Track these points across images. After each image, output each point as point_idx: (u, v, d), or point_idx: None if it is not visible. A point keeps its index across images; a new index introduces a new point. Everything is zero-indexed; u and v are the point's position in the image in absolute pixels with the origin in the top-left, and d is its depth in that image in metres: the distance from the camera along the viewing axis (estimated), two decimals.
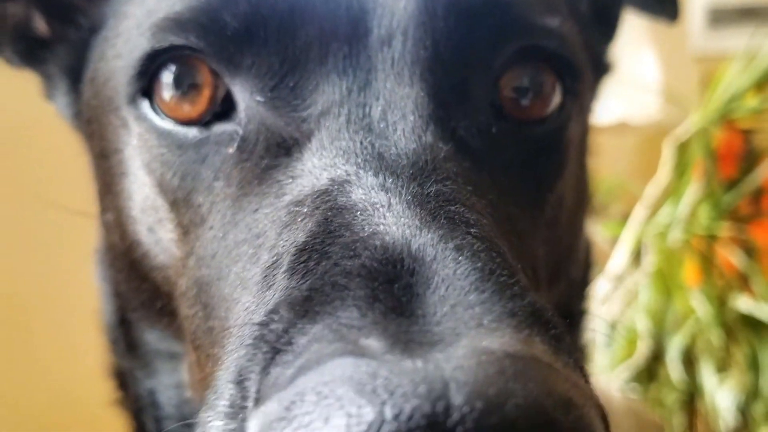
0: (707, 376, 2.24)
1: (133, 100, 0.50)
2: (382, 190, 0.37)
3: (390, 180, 0.37)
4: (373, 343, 0.28)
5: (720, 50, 3.00)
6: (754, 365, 2.30)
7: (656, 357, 2.37)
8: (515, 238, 0.42)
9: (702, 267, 2.33)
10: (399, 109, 0.42)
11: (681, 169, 2.32)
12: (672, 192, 2.32)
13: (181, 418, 0.55)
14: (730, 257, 2.41)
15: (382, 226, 0.35)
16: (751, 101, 2.54)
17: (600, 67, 0.73)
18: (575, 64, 0.54)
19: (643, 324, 2.22)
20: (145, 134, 0.48)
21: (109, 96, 0.53)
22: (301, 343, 0.30)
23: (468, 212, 0.37)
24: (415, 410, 0.25)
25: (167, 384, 0.55)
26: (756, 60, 2.43)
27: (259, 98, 0.46)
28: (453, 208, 0.36)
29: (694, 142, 2.34)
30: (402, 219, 0.35)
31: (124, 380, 0.64)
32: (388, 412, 0.25)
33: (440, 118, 0.44)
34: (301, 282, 0.34)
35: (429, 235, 0.34)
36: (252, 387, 0.32)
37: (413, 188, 0.37)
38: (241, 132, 0.46)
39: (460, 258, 0.32)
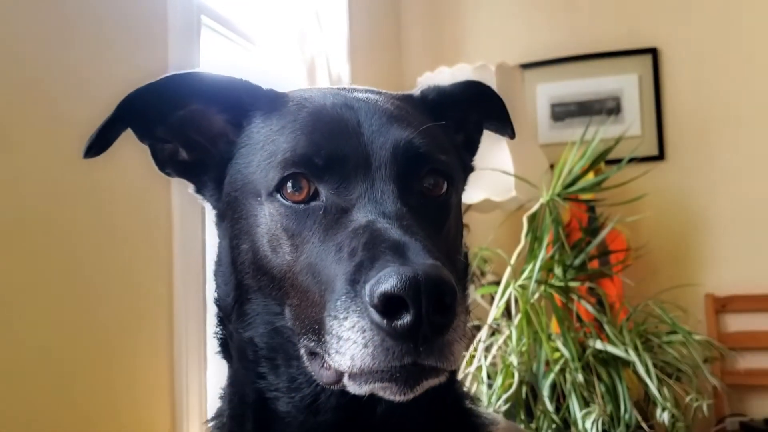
0: (575, 408, 2.56)
1: (271, 194, 0.98)
2: (388, 224, 0.88)
3: (389, 221, 0.89)
4: (396, 264, 0.80)
5: (562, 139, 3.46)
6: (613, 396, 2.64)
7: (533, 395, 2.65)
8: (434, 242, 0.92)
9: (562, 317, 2.69)
10: (387, 195, 0.93)
11: (536, 237, 2.71)
12: (530, 256, 2.70)
13: (270, 347, 1.01)
14: (585, 307, 2.78)
15: (391, 235, 0.86)
16: (590, 178, 2.98)
17: (468, 169, 1.29)
18: (452, 174, 1.04)
19: (516, 363, 2.53)
20: (276, 207, 0.97)
21: (249, 191, 1.02)
22: (374, 266, 0.81)
23: (416, 230, 0.89)
24: (411, 276, 0.77)
25: (262, 332, 1.02)
26: (591, 145, 2.90)
27: (331, 192, 0.95)
28: (412, 229, 0.88)
29: (546, 215, 2.75)
30: (397, 232, 0.86)
31: (226, 342, 1.10)
32: (403, 277, 0.77)
33: (402, 198, 0.94)
34: (368, 253, 0.84)
35: (406, 237, 0.85)
36: (362, 281, 0.81)
37: (398, 223, 0.89)
38: (324, 205, 0.94)
39: (416, 242, 0.84)
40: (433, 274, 0.78)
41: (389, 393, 0.85)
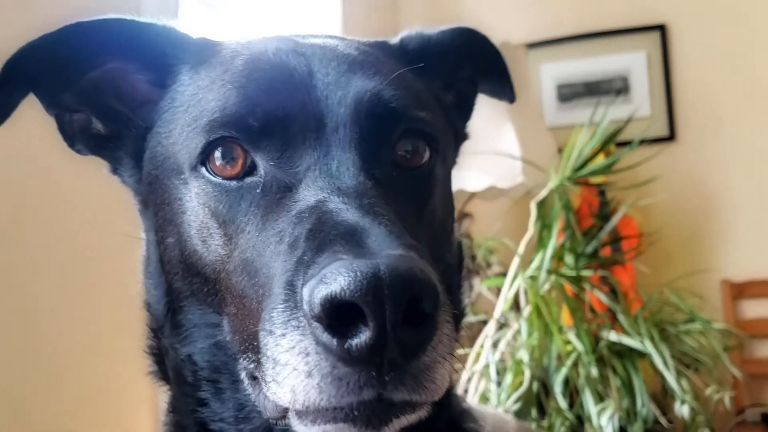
0: (590, 403, 2.42)
1: (194, 168, 0.78)
2: (343, 203, 0.69)
3: (345, 198, 0.70)
4: (348, 256, 0.61)
5: (570, 121, 3.36)
6: (628, 390, 2.52)
7: (545, 391, 2.54)
8: (409, 225, 0.73)
9: (574, 307, 2.55)
10: (345, 165, 0.74)
11: (545, 224, 2.57)
12: (539, 244, 2.55)
13: (212, 367, 0.82)
14: (598, 297, 2.65)
15: (346, 217, 0.67)
16: (600, 161, 2.85)
17: (460, 136, 1.07)
18: (435, 135, 0.84)
19: (526, 359, 2.40)
20: (203, 185, 0.78)
21: (170, 167, 0.82)
22: (318, 261, 0.62)
23: (382, 210, 0.69)
24: (368, 272, 0.58)
25: (202, 347, 0.82)
26: (600, 127, 2.74)
27: (271, 163, 0.76)
28: (375, 208, 0.69)
29: (555, 200, 2.61)
30: (354, 214, 0.67)
31: (161, 358, 0.90)
32: (359, 274, 0.58)
33: (366, 168, 0.75)
34: (313, 242, 0.66)
35: (366, 219, 0.66)
36: (299, 283, 0.63)
37: (356, 201, 0.70)
38: (262, 181, 0.76)
39: (380, 226, 0.65)
40: (401, 268, 0.59)
41: None
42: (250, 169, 0.77)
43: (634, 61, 3.86)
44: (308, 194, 0.72)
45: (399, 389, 0.61)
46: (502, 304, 2.54)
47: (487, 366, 2.41)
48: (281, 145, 0.75)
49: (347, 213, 0.67)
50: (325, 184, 0.72)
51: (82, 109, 0.90)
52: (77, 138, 0.91)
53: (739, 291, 3.64)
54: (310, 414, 0.64)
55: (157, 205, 0.85)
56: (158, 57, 0.87)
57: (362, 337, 0.59)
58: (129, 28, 0.88)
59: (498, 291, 2.70)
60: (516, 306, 2.61)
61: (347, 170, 0.74)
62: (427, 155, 0.83)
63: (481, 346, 2.47)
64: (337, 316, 0.59)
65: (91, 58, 0.88)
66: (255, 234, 0.73)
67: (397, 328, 0.59)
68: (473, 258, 3.02)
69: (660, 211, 3.46)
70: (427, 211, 0.83)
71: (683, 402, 2.50)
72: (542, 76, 3.95)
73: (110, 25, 0.87)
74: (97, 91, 0.89)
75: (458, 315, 0.82)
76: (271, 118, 0.76)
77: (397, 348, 0.60)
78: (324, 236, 0.65)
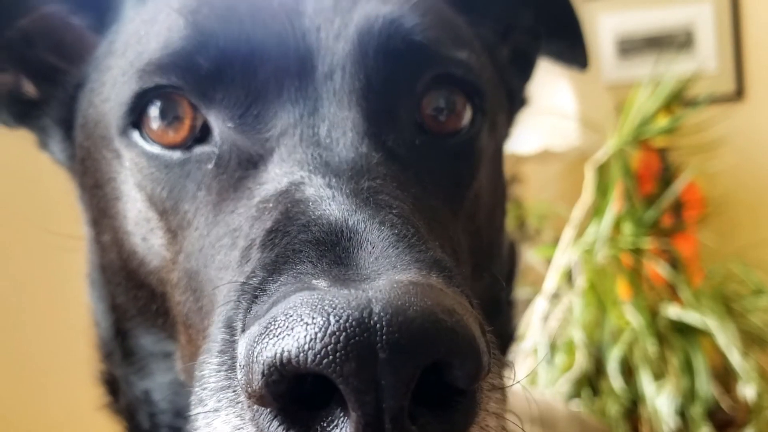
0: (646, 383, 2.32)
1: (124, 132, 0.58)
2: (328, 187, 0.48)
3: (334, 180, 0.49)
4: (321, 282, 0.40)
5: (629, 78, 3.17)
6: (688, 369, 2.42)
7: (597, 370, 2.45)
8: (436, 223, 0.52)
9: (631, 280, 2.44)
10: (340, 128, 0.54)
11: (602, 190, 2.43)
12: (596, 212, 2.41)
13: (175, 411, 0.63)
14: (658, 269, 2.54)
15: (327, 211, 0.46)
16: (662, 122, 2.70)
17: (516, 100, 0.84)
18: (481, 87, 0.63)
19: (579, 337, 2.28)
20: (136, 158, 0.58)
21: (101, 135, 0.62)
22: (271, 289, 0.42)
23: (391, 200, 0.48)
24: (350, 316, 0.36)
25: (161, 382, 0.64)
26: (662, 84, 2.60)
27: (230, 125, 0.56)
28: (380, 197, 0.48)
29: (613, 164, 2.47)
30: (342, 205, 0.47)
31: (115, 387, 0.71)
32: (332, 320, 0.36)
33: (373, 133, 0.55)
34: (270, 253, 0.45)
35: (361, 215, 0.45)
36: (239, 326, 0.42)
37: (351, 185, 0.49)
38: (217, 152, 0.55)
39: (382, 228, 0.44)
40: (413, 309, 0.37)
41: None
42: (201, 135, 0.57)
43: (699, 13, 3.61)
44: (279, 172, 0.51)
45: None
46: (553, 276, 2.40)
47: (535, 344, 2.29)
48: (245, 98, 0.55)
49: (331, 204, 0.46)
50: (306, 157, 0.51)
51: (9, 68, 0.71)
52: (2, 104, 0.72)
53: None
54: None
55: (90, 189, 0.66)
56: None
57: None
58: None
59: (549, 262, 2.56)
60: (568, 279, 2.47)
61: (343, 135, 0.53)
62: (468, 116, 0.62)
63: (529, 323, 2.34)
64: (295, 391, 0.38)
65: (19, 1, 0.69)
66: (204, 231, 0.54)
67: (401, 419, 0.37)
68: (522, 224, 2.88)
69: (727, 176, 3.24)
70: (468, 199, 0.61)
71: (748, 383, 2.37)
72: (600, 28, 3.72)
73: None
74: (28, 43, 0.70)
75: (507, 343, 0.63)
76: (231, 55, 0.55)
77: None
78: (287, 243, 0.44)
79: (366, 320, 0.36)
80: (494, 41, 0.78)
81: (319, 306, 0.37)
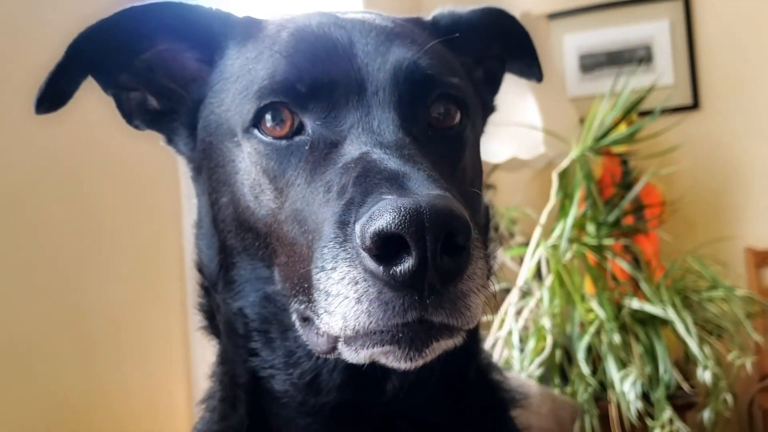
0: (612, 370, 2.47)
1: (247, 130, 0.86)
2: (385, 154, 0.76)
3: (387, 150, 0.77)
4: (393, 196, 0.68)
5: (592, 91, 3.33)
6: (651, 357, 2.56)
7: (568, 359, 2.59)
8: (442, 179, 0.78)
9: (596, 276, 2.60)
10: (385, 123, 0.82)
11: (567, 194, 2.60)
12: (561, 214, 2.59)
13: (262, 318, 0.90)
14: (621, 265, 2.68)
15: (389, 164, 0.74)
16: (622, 131, 2.86)
17: (488, 107, 1.14)
18: (466, 100, 0.92)
19: (548, 325, 2.44)
20: (255, 145, 0.85)
21: (224, 132, 0.90)
22: (367, 201, 0.70)
23: (421, 162, 0.76)
24: (411, 209, 0.65)
25: (253, 300, 0.90)
26: (622, 96, 2.76)
27: (318, 123, 0.83)
28: (415, 159, 0.76)
29: (576, 170, 2.64)
30: (396, 162, 0.75)
31: (211, 314, 0.98)
32: (403, 210, 0.65)
33: (404, 126, 0.83)
34: (360, 187, 0.73)
35: (406, 167, 0.74)
36: (352, 219, 0.70)
37: (396, 152, 0.77)
38: (310, 139, 0.83)
39: (419, 172, 0.73)
40: (440, 205, 0.66)
41: (393, 359, 0.72)
42: (298, 129, 0.84)
43: (657, 30, 3.81)
44: (353, 148, 0.79)
45: (438, 312, 0.68)
46: (524, 273, 2.58)
47: (510, 333, 2.45)
48: (327, 107, 0.83)
49: (389, 162, 0.74)
50: (368, 139, 0.79)
51: (137, 88, 0.97)
52: (134, 114, 0.98)
53: (763, 258, 3.61)
54: (360, 338, 0.71)
55: (211, 168, 0.92)
56: (206, 35, 0.94)
57: (406, 265, 0.66)
58: (177, 10, 0.95)
59: (521, 260, 2.73)
60: (538, 275, 2.65)
61: (387, 127, 0.81)
62: (458, 117, 0.90)
63: (505, 314, 2.50)
64: (384, 246, 0.66)
65: (144, 40, 0.95)
66: (304, 186, 0.80)
67: (436, 257, 0.66)
68: (496, 228, 3.04)
69: (683, 179, 3.45)
70: (459, 168, 0.90)
71: (706, 368, 2.52)
72: (564, 46, 3.91)
73: (160, 9, 0.94)
74: (150, 70, 0.97)
75: (488, 261, 0.88)
76: (317, 83, 0.83)
77: (436, 274, 0.67)
78: (370, 181, 0.72)
79: (419, 209, 0.65)
80: (473, 66, 1.08)
81: (396, 204, 0.66)
